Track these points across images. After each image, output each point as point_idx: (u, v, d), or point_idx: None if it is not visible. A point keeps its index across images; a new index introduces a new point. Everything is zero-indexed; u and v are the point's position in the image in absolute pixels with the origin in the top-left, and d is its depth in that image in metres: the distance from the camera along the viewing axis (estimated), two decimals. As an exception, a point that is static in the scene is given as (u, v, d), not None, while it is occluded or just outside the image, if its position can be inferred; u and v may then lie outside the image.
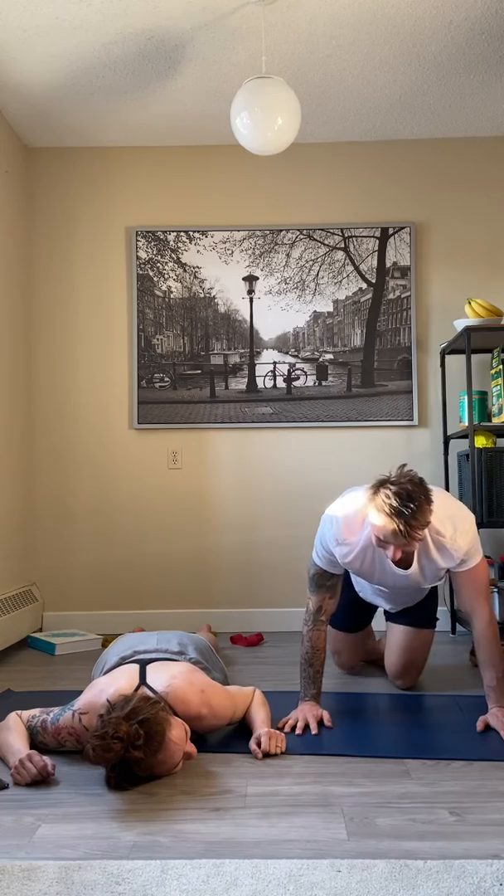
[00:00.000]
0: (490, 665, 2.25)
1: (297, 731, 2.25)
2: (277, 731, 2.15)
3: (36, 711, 2.13)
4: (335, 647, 2.91)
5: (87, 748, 1.80)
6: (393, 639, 2.75)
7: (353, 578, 2.77)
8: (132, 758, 1.81)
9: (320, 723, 2.30)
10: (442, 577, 2.44)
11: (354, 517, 2.32)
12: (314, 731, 2.25)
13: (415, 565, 2.34)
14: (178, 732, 1.90)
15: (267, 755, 2.07)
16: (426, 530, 2.20)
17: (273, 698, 2.60)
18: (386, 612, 2.85)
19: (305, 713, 2.31)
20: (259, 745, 2.08)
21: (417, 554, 2.31)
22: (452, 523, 2.27)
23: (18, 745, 1.99)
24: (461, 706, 2.50)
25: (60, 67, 3.23)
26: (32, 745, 2.07)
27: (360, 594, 2.79)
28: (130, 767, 1.85)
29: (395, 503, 2.07)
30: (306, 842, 1.60)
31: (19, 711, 2.14)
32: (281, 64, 3.23)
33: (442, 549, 2.28)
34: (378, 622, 3.26)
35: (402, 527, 2.08)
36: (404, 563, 2.35)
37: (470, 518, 2.32)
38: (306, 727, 2.28)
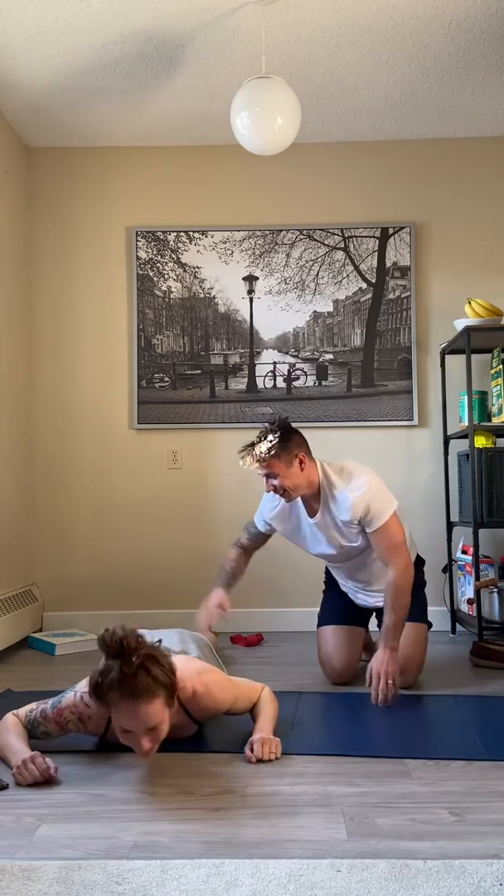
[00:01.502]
0: (391, 609, 2.53)
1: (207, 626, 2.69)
2: (273, 738, 2.09)
3: (32, 705, 2.12)
4: (325, 655, 2.81)
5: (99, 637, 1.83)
6: None
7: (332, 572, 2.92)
8: (120, 670, 1.78)
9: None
10: (358, 539, 2.64)
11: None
12: (215, 619, 2.70)
13: (319, 514, 2.65)
14: (164, 709, 1.85)
15: (261, 761, 2.04)
16: (324, 481, 2.62)
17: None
18: (380, 620, 2.85)
19: (207, 602, 2.74)
20: (252, 750, 2.05)
21: (322, 505, 2.63)
22: (348, 480, 2.60)
23: (20, 746, 1.99)
24: (461, 706, 2.50)
25: (60, 67, 3.23)
26: (33, 738, 2.07)
27: (342, 587, 2.91)
28: (111, 686, 1.81)
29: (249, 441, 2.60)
30: (306, 842, 1.59)
31: (15, 711, 2.13)
32: (281, 64, 3.23)
33: (336, 501, 2.59)
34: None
35: (248, 456, 2.56)
36: (309, 509, 2.68)
37: (368, 480, 2.58)
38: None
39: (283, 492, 2.59)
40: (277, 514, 2.78)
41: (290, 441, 2.59)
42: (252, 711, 2.22)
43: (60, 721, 2.04)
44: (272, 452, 2.54)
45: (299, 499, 2.70)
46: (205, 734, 2.23)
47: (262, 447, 2.55)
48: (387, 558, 2.57)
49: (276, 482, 2.58)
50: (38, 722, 2.06)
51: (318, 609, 3.01)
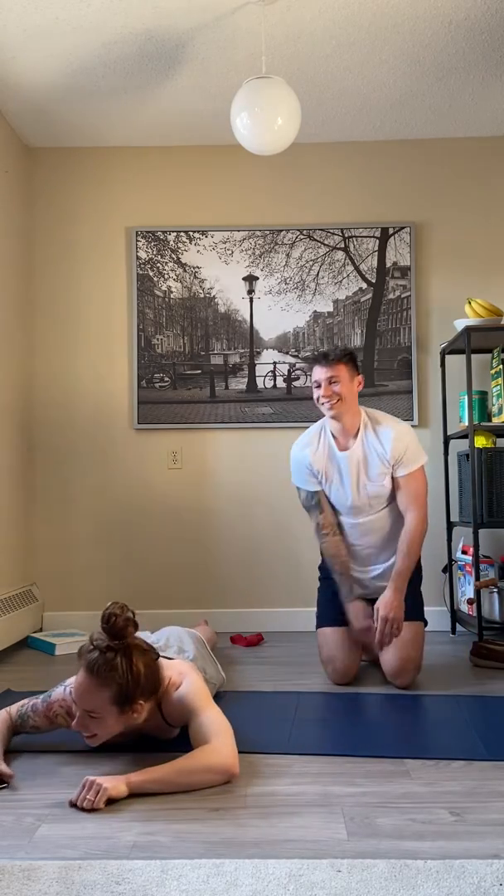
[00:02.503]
0: (405, 554, 2.70)
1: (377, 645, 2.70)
2: (98, 788, 1.77)
3: (24, 700, 2.14)
4: (329, 657, 2.82)
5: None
6: None
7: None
8: (97, 640, 1.90)
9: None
10: (381, 483, 2.73)
11: (313, 429, 2.89)
12: (378, 636, 2.68)
13: (353, 447, 2.75)
14: (107, 706, 1.88)
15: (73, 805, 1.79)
16: (366, 418, 2.78)
17: (272, 698, 2.61)
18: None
19: (360, 625, 2.72)
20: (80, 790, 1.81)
21: (357, 440, 2.75)
22: (391, 421, 2.79)
23: None
24: (461, 706, 2.50)
25: (60, 67, 3.23)
26: (22, 733, 2.11)
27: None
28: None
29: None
30: (306, 842, 1.60)
31: (8, 707, 2.14)
32: (281, 64, 3.23)
33: (378, 434, 2.74)
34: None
35: (321, 357, 2.72)
36: (339, 445, 2.78)
37: (408, 427, 2.79)
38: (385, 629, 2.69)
39: (338, 400, 2.70)
40: (319, 453, 2.81)
41: (356, 360, 2.79)
42: (191, 738, 1.95)
43: (50, 715, 2.07)
44: (345, 356, 2.72)
45: (331, 436, 2.79)
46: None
47: (336, 351, 2.74)
48: (409, 504, 2.73)
49: (336, 387, 2.69)
50: (28, 716, 2.09)
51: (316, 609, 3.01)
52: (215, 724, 1.93)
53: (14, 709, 2.13)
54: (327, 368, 2.71)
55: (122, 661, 1.88)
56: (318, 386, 2.72)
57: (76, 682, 1.91)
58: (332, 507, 2.87)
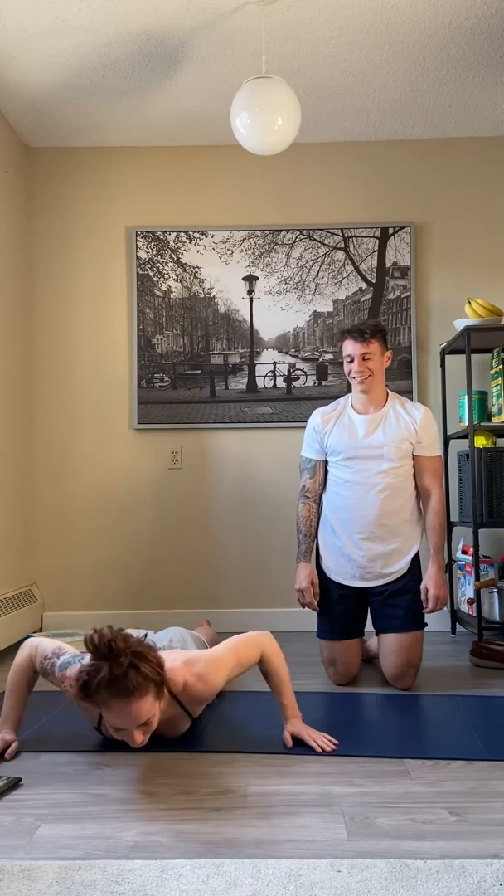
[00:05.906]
0: (437, 532, 2.82)
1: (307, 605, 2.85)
2: (317, 733, 2.17)
3: (49, 651, 2.11)
4: (330, 659, 2.83)
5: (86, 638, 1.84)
6: (386, 645, 2.77)
7: (333, 543, 2.85)
8: (110, 670, 1.79)
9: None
10: (393, 459, 2.78)
11: (338, 400, 2.98)
12: (314, 605, 2.84)
13: (375, 412, 2.84)
14: (154, 704, 1.87)
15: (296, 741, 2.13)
16: (392, 395, 2.90)
17: (273, 698, 2.60)
18: (376, 624, 2.83)
19: (301, 585, 2.85)
20: (307, 744, 2.13)
21: (384, 409, 2.84)
22: (418, 404, 2.88)
23: (7, 711, 2.11)
24: (461, 706, 2.50)
25: (60, 67, 3.23)
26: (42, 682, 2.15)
27: (341, 545, 2.83)
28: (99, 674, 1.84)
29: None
30: (306, 842, 1.60)
31: (37, 643, 2.15)
32: (281, 64, 3.23)
33: (406, 408, 2.85)
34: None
35: (357, 333, 2.78)
36: (363, 409, 2.86)
37: (433, 417, 2.90)
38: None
39: (370, 375, 2.80)
40: (330, 416, 2.90)
41: (386, 336, 2.87)
42: (267, 677, 2.20)
43: (63, 686, 2.05)
44: (378, 332, 2.80)
45: (351, 406, 2.88)
46: (204, 733, 2.23)
47: (370, 327, 2.79)
48: (430, 484, 2.83)
49: (370, 363, 2.78)
50: (48, 671, 2.09)
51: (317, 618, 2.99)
52: (248, 644, 2.15)
53: (39, 657, 2.12)
54: (362, 344, 2.78)
55: (142, 667, 1.82)
56: (352, 360, 2.80)
57: (116, 713, 1.82)
58: (328, 477, 2.91)
